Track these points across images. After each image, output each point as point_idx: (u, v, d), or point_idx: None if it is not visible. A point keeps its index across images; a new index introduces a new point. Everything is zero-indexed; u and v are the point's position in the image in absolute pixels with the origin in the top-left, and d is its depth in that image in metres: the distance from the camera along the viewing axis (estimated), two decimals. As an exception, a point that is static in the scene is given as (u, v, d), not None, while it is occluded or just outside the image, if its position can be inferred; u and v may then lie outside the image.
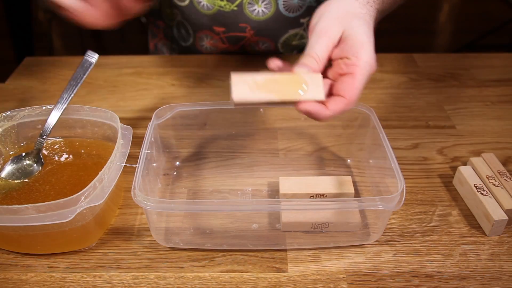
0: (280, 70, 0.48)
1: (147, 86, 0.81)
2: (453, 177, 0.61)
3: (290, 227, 0.53)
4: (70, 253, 0.51)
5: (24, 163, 0.57)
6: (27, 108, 0.59)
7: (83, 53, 0.58)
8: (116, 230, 0.54)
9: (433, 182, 0.61)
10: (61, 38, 2.26)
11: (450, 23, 2.52)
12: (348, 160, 0.63)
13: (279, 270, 0.50)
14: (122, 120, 0.56)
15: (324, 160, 0.62)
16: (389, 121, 0.71)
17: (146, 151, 0.52)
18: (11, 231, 0.48)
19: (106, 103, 0.77)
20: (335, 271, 0.49)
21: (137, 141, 0.58)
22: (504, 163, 0.63)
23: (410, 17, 2.04)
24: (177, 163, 0.63)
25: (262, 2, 0.79)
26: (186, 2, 0.82)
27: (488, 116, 0.73)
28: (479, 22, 2.37)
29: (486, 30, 2.15)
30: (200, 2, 0.80)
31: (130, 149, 0.53)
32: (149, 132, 0.54)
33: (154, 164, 0.57)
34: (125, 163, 0.51)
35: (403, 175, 0.49)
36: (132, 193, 0.47)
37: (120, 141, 0.53)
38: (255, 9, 0.80)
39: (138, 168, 0.49)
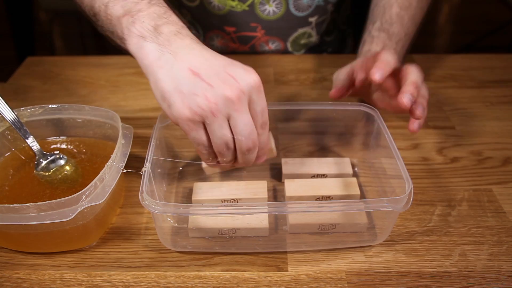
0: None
1: (148, 86, 0.80)
2: (453, 178, 0.61)
3: (297, 229, 0.53)
4: (71, 252, 0.52)
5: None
6: (29, 107, 0.59)
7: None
8: (117, 229, 0.54)
9: (433, 182, 0.61)
10: (62, 38, 2.26)
11: (449, 24, 2.52)
12: (352, 160, 0.63)
13: (279, 269, 0.50)
14: (123, 119, 0.56)
15: (328, 160, 0.62)
16: (389, 121, 0.71)
17: (151, 154, 0.51)
18: (12, 229, 0.48)
19: (107, 102, 0.77)
20: (335, 271, 0.50)
21: (138, 141, 0.58)
22: (504, 164, 0.64)
23: (410, 18, 2.04)
24: (180, 168, 0.63)
25: (273, 1, 0.79)
26: (196, 3, 0.82)
27: (488, 117, 0.73)
28: (478, 23, 2.38)
29: (485, 31, 2.16)
30: (211, 2, 0.81)
31: (131, 148, 0.53)
32: (154, 136, 0.54)
33: (159, 164, 0.57)
34: (127, 164, 0.51)
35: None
36: (140, 197, 0.46)
37: (121, 141, 0.53)
38: (266, 9, 0.81)
39: (145, 172, 0.49)
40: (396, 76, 0.57)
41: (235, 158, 0.50)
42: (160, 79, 0.46)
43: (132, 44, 0.47)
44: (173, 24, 0.48)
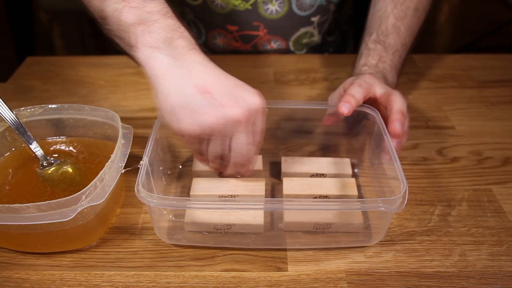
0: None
1: (148, 86, 0.80)
2: (452, 178, 0.61)
3: (292, 227, 0.53)
4: (71, 252, 0.52)
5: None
6: (29, 107, 0.59)
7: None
8: (117, 229, 0.55)
9: (432, 182, 0.61)
10: (62, 38, 2.26)
11: (449, 24, 2.52)
12: (352, 161, 0.63)
13: (279, 269, 0.50)
14: (123, 119, 0.56)
15: (327, 160, 0.62)
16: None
17: (150, 149, 0.52)
18: (12, 229, 0.48)
19: (107, 102, 0.77)
20: (334, 271, 0.50)
21: (138, 141, 0.58)
22: (503, 164, 0.64)
23: (410, 18, 2.03)
24: (180, 166, 0.63)
25: (276, 1, 0.80)
26: (199, 1, 0.83)
27: (487, 117, 0.73)
28: (478, 23, 2.37)
29: (485, 31, 2.16)
30: (214, 1, 0.81)
31: (130, 148, 0.53)
32: (155, 130, 0.54)
33: (159, 162, 0.57)
34: (126, 164, 0.51)
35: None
36: (135, 189, 0.47)
37: (120, 141, 0.53)
38: (268, 8, 0.81)
39: (142, 165, 0.49)
40: (381, 101, 0.59)
41: (225, 166, 0.53)
42: (171, 93, 0.46)
43: (144, 54, 0.47)
44: (186, 39, 0.48)
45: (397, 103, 0.57)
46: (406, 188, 0.47)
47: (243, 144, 0.48)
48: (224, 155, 0.50)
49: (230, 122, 0.46)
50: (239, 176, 0.56)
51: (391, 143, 0.54)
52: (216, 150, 0.49)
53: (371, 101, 0.59)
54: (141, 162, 0.50)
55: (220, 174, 0.56)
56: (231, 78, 0.48)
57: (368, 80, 0.59)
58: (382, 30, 0.66)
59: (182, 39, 0.48)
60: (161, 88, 0.47)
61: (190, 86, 0.46)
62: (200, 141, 0.49)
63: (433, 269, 0.50)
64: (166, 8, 0.50)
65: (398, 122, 0.55)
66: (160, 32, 0.47)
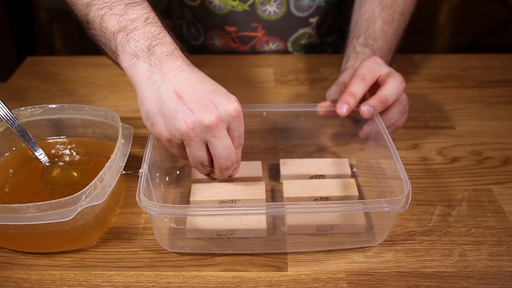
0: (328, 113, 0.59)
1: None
2: (452, 178, 0.61)
3: (295, 230, 0.53)
4: (71, 252, 0.52)
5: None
6: (29, 107, 0.59)
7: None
8: (117, 229, 0.54)
9: (432, 182, 0.61)
10: (62, 38, 2.26)
11: (449, 24, 2.52)
12: (351, 161, 0.63)
13: (279, 269, 0.50)
14: (123, 119, 0.56)
15: (326, 161, 0.62)
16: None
17: (149, 156, 0.52)
18: (12, 229, 0.48)
19: (107, 102, 0.77)
20: (334, 271, 0.50)
21: (138, 141, 0.58)
22: (504, 164, 0.64)
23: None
24: (178, 169, 0.63)
25: (274, 2, 0.80)
26: (198, 2, 0.83)
27: (488, 117, 0.73)
28: (478, 23, 2.38)
29: (485, 31, 2.16)
30: (212, 2, 0.81)
31: (130, 148, 0.53)
32: (152, 137, 0.54)
33: (157, 168, 0.57)
34: (126, 164, 0.51)
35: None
36: (137, 198, 0.46)
37: (120, 141, 0.53)
38: (266, 9, 0.81)
39: (142, 173, 0.49)
40: (380, 84, 0.58)
41: (211, 170, 0.53)
42: (147, 98, 0.48)
43: (125, 61, 0.49)
44: (166, 45, 0.49)
45: (386, 87, 0.56)
46: (409, 187, 0.47)
47: (221, 148, 0.48)
48: (203, 161, 0.50)
49: (199, 127, 0.46)
50: (230, 177, 0.56)
51: (392, 143, 0.54)
52: (193, 156, 0.49)
53: (375, 83, 0.59)
54: (140, 170, 0.49)
55: (212, 177, 0.56)
56: (207, 83, 0.48)
57: (374, 66, 0.58)
58: (370, 33, 0.66)
59: (161, 45, 0.48)
60: (139, 94, 0.49)
61: (163, 91, 0.47)
62: (176, 146, 0.49)
63: (433, 269, 0.50)
64: (147, 14, 0.50)
65: (368, 106, 0.55)
66: (139, 40, 0.48)
